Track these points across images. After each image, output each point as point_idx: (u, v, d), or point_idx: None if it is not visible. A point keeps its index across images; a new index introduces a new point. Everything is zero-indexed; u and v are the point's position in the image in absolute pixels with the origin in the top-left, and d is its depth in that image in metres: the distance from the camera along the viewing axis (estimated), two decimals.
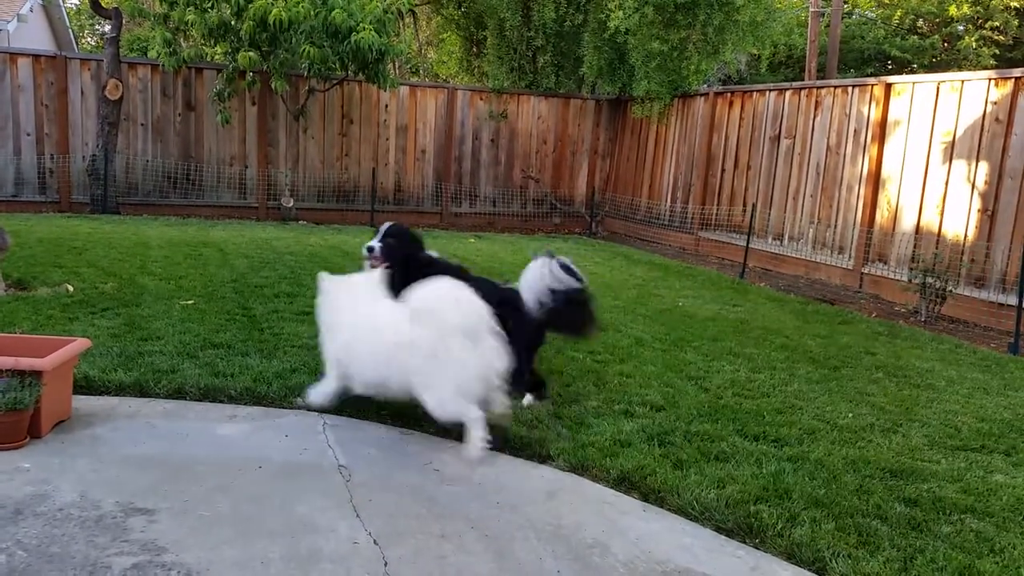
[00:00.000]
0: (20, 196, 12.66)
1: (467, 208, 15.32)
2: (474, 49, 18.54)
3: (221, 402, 4.53)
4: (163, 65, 12.61)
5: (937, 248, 9.11)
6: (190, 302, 6.69)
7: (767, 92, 12.31)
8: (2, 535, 2.97)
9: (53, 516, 3.13)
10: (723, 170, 13.00)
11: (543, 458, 4.05)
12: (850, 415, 4.98)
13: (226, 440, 4.02)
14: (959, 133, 9.17)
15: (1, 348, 4.06)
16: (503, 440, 4.15)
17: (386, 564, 2.97)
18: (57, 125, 12.83)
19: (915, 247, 9.52)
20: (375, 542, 3.12)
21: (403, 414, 4.44)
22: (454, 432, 4.29)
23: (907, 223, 9.75)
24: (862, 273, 10.23)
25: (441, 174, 15.07)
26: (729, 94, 13.12)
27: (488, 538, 3.22)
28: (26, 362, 3.79)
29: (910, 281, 8.93)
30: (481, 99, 15.20)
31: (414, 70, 25.73)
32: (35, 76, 12.69)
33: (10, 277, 6.95)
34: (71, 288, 6.92)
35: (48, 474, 3.51)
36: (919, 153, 9.65)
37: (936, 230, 9.35)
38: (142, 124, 13.34)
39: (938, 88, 9.48)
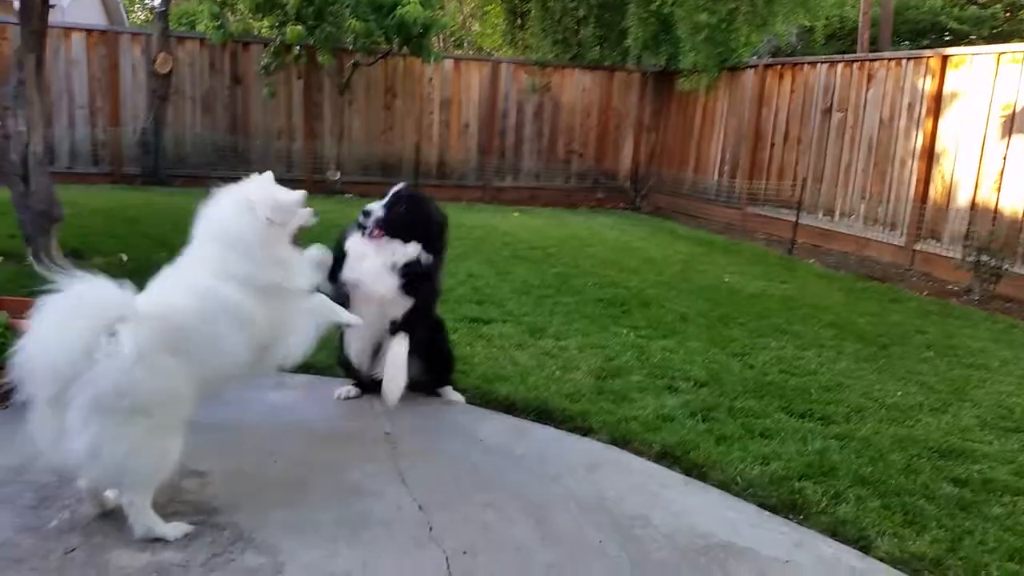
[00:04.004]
0: (74, 168, 12.94)
1: (510, 182, 15.27)
2: (518, 21, 18.38)
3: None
4: (210, 39, 12.74)
5: (993, 225, 8.86)
6: None
7: (818, 65, 12.03)
8: (66, 493, 3.07)
9: None
10: (772, 144, 12.76)
11: (585, 431, 4.07)
12: (899, 394, 4.90)
13: (277, 407, 4.11)
14: (1020, 106, 8.87)
15: None
16: None
17: (431, 529, 3.02)
18: (109, 98, 13.06)
19: (970, 224, 9.27)
20: (420, 508, 3.17)
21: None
22: (495, 404, 4.33)
23: (962, 199, 9.49)
24: (914, 250, 10.00)
25: (484, 148, 15.04)
26: (779, 67, 12.84)
27: (530, 507, 3.26)
28: None
29: (964, 259, 8.71)
30: (525, 72, 15.08)
31: (458, 43, 25.66)
32: (88, 50, 12.92)
33: (66, 247, 7.13)
34: (125, 258, 7.09)
35: None
36: (976, 127, 9.36)
37: (992, 206, 9.08)
38: (191, 97, 13.51)
39: (998, 60, 9.16)
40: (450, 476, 3.50)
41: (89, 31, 13.15)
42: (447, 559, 2.84)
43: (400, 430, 3.93)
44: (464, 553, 2.88)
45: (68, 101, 12.89)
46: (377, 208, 3.90)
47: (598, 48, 16.10)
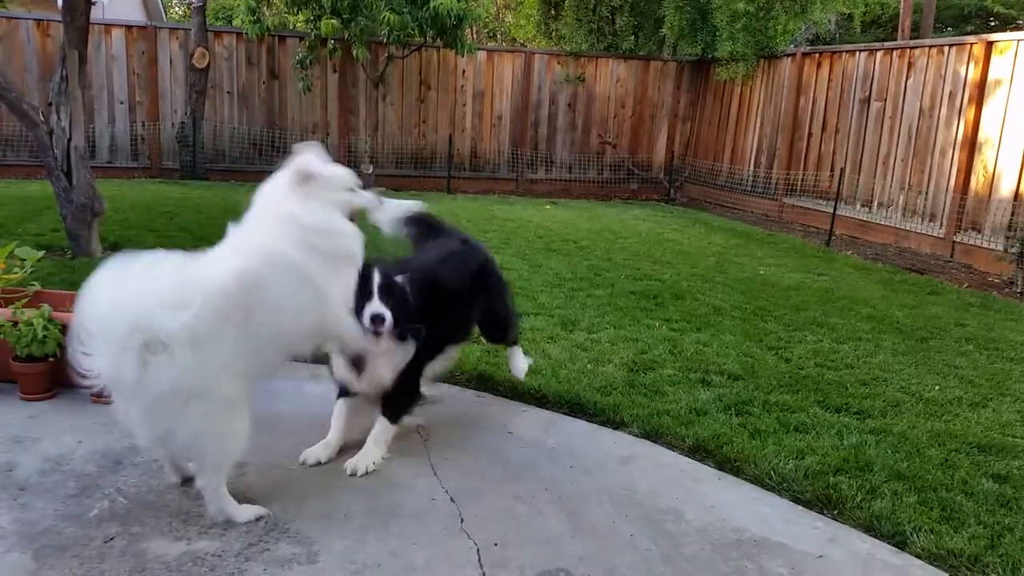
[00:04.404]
0: (114, 162, 13.19)
1: (543, 174, 15.25)
2: (552, 12, 18.29)
3: (306, 362, 4.63)
4: (247, 33, 12.87)
5: None
6: None
7: (857, 53, 11.82)
8: (105, 482, 3.16)
9: (149, 466, 3.30)
10: (810, 134, 12.58)
11: (617, 424, 4.06)
12: (937, 388, 4.82)
13: (311, 397, 4.15)
14: None
15: None
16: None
17: (462, 520, 3.04)
18: (148, 93, 13.28)
19: (1013, 214, 9.05)
20: (452, 499, 3.20)
21: (480, 377, 4.50)
22: (527, 397, 4.34)
23: (1005, 190, 9.27)
24: (954, 242, 9.80)
25: (517, 140, 15.03)
26: (817, 55, 12.64)
27: (562, 500, 3.26)
28: None
29: (1006, 250, 8.54)
30: (558, 63, 15.03)
31: (491, 35, 25.63)
32: (127, 46, 13.14)
33: (106, 240, 7.28)
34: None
35: None
36: (1021, 115, 9.14)
37: None
38: (228, 92, 13.69)
39: None
40: (482, 468, 3.52)
41: (129, 27, 13.38)
42: (478, 550, 2.86)
43: (432, 422, 3.95)
44: (495, 544, 2.90)
45: (108, 96, 13.13)
46: (382, 310, 3.26)
47: (633, 37, 15.98)
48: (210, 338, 2.71)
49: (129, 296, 2.69)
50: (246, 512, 2.93)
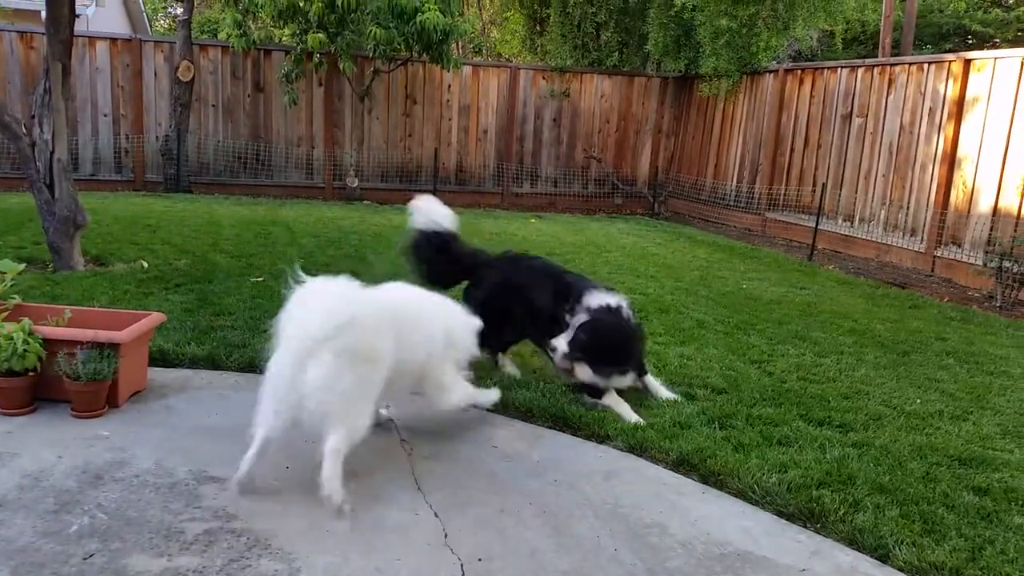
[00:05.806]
0: (98, 175, 13.13)
1: (528, 188, 15.30)
2: (537, 27, 18.42)
3: None
4: (233, 47, 12.87)
5: (1015, 231, 8.76)
6: (260, 279, 6.86)
7: (839, 69, 11.96)
8: (85, 498, 3.13)
9: (130, 482, 3.28)
10: (792, 149, 12.70)
11: (601, 438, 4.06)
12: (918, 401, 4.85)
13: None
14: None
15: (81, 321, 4.24)
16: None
17: (446, 535, 3.03)
18: (132, 106, 13.24)
19: (992, 230, 9.16)
20: (436, 514, 3.18)
21: None
22: (512, 410, 4.33)
23: (984, 205, 9.39)
24: (935, 256, 9.91)
25: (502, 154, 15.08)
26: (799, 71, 12.78)
27: (546, 514, 3.26)
28: (105, 335, 3.95)
29: (985, 265, 8.62)
30: (544, 78, 15.12)
31: (477, 50, 25.74)
32: (112, 59, 13.11)
33: (88, 253, 7.24)
34: (146, 264, 7.16)
35: (126, 442, 3.66)
36: (999, 132, 9.26)
37: (1015, 212, 8.97)
38: (213, 105, 13.66)
39: (1023, 63, 9.06)
40: (466, 482, 3.51)
41: (114, 39, 13.35)
42: (462, 565, 2.85)
43: (416, 436, 3.95)
44: (479, 560, 2.89)
45: (92, 109, 13.09)
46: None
47: (618, 54, 16.10)
48: (381, 331, 3.38)
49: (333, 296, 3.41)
50: (337, 493, 3.17)
